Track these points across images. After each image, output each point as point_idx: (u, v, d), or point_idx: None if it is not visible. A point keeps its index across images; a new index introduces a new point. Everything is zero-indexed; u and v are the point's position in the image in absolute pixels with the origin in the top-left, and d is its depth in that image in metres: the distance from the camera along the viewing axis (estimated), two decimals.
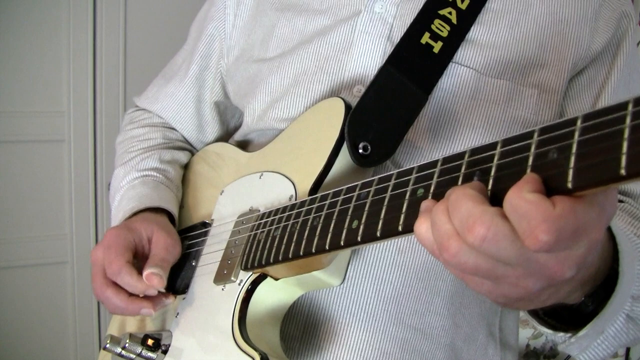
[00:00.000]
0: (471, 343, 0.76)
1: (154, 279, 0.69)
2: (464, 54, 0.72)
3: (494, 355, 0.79)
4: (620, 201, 0.73)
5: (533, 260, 0.39)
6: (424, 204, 0.43)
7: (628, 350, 2.16)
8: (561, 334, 0.55)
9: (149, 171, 0.88)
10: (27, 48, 2.02)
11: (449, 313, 0.73)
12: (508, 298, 0.43)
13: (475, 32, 0.73)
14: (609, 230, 0.52)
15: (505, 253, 0.38)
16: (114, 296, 0.70)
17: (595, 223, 0.37)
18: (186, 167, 0.97)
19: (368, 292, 0.70)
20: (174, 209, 0.84)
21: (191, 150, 0.99)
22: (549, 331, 0.55)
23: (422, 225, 0.42)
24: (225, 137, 0.99)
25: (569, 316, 0.54)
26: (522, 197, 0.36)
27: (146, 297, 0.72)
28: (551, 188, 0.37)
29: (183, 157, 0.96)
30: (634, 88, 0.77)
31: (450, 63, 0.71)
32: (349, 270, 0.69)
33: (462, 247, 0.39)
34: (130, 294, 0.71)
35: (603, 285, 0.51)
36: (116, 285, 0.71)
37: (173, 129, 0.99)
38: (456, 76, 0.72)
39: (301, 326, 0.71)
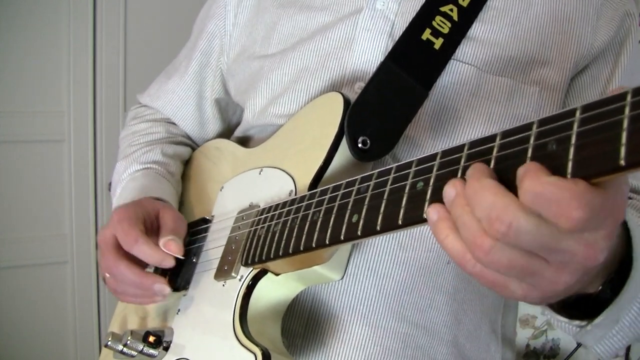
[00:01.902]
0: (474, 340, 0.76)
1: (171, 244, 0.69)
2: (465, 51, 0.72)
3: (496, 351, 0.80)
4: (629, 198, 0.73)
5: (563, 248, 0.38)
6: (433, 213, 0.43)
7: (628, 350, 2.15)
8: (577, 322, 0.54)
9: (151, 164, 0.88)
10: (27, 48, 2.03)
11: (450, 309, 0.73)
12: (545, 296, 0.42)
13: (477, 29, 0.73)
14: None
15: (536, 241, 0.38)
16: (127, 269, 0.69)
17: (616, 199, 0.38)
18: (187, 163, 0.97)
19: (370, 288, 0.70)
20: (173, 203, 0.84)
21: (192, 146, 1.00)
22: (565, 319, 0.55)
23: (446, 238, 0.42)
24: (226, 133, 0.99)
25: (586, 307, 0.53)
26: (543, 182, 0.36)
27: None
28: None
29: (185, 152, 0.96)
30: None
31: (451, 60, 0.71)
32: (350, 266, 0.69)
33: (495, 243, 0.39)
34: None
35: (618, 272, 0.51)
36: (129, 259, 0.69)
37: (176, 124, 1.00)
38: (457, 73, 0.72)
39: (303, 322, 0.71)
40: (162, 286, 0.69)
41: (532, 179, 0.37)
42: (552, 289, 0.41)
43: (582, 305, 0.53)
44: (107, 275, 0.72)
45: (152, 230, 0.73)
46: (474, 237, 0.40)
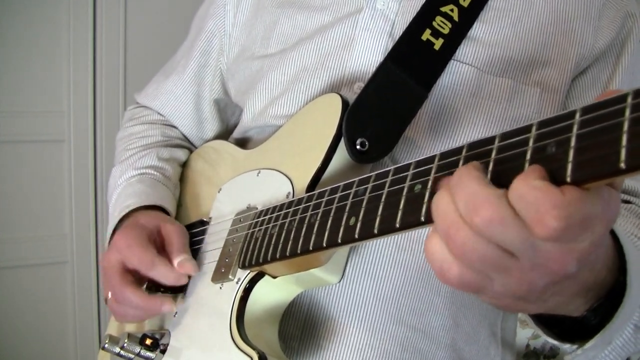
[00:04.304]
0: (473, 343, 0.75)
1: (186, 265, 0.70)
2: (465, 51, 0.72)
3: (495, 355, 0.79)
4: (628, 201, 0.73)
5: (537, 249, 0.38)
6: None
7: None
8: (568, 345, 0.54)
9: (147, 169, 0.88)
10: (27, 48, 2.02)
11: (449, 312, 0.72)
12: (512, 297, 0.42)
13: (477, 29, 0.72)
14: (616, 240, 0.51)
15: (511, 238, 0.37)
16: (133, 295, 0.69)
17: (600, 216, 0.37)
18: (184, 164, 0.96)
19: (367, 291, 0.69)
20: (171, 208, 0.83)
21: (190, 148, 0.99)
22: (556, 342, 0.55)
23: (432, 243, 0.41)
24: (224, 134, 0.99)
25: (574, 328, 0.53)
26: (530, 184, 0.36)
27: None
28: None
29: (182, 155, 0.96)
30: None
31: (452, 60, 0.71)
32: (348, 269, 0.69)
33: (469, 235, 0.39)
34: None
35: (608, 297, 0.50)
36: (134, 284, 0.70)
37: (172, 126, 0.99)
38: (457, 74, 0.71)
39: (300, 325, 0.70)
40: (171, 307, 0.71)
41: (522, 178, 0.37)
42: (519, 288, 0.40)
43: (570, 327, 0.53)
44: (110, 297, 0.72)
45: (155, 247, 0.73)
46: (449, 228, 0.39)
